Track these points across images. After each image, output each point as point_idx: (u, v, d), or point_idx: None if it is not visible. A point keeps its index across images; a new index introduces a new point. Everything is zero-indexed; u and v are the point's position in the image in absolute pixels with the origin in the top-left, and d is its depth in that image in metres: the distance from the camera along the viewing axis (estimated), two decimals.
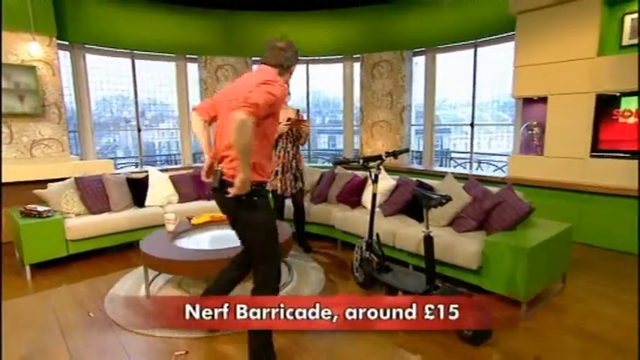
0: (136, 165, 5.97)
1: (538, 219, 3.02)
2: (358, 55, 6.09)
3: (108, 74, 6.03)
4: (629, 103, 3.56)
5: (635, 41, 3.65)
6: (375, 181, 2.73)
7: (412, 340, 2.34)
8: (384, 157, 2.68)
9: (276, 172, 3.62)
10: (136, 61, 5.62)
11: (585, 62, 3.76)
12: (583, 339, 2.35)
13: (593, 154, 3.79)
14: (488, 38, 4.99)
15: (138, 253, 3.86)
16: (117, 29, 5.26)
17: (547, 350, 2.23)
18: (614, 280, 3.16)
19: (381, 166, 2.73)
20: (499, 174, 5.34)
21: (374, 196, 2.82)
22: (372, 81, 5.99)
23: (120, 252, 3.98)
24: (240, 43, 6.03)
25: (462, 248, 2.74)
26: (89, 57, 5.30)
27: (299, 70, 6.26)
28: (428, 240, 2.46)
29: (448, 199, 2.37)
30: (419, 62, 5.93)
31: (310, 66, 6.42)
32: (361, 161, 2.66)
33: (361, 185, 4.03)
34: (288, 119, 3.51)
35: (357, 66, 6.21)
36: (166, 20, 5.60)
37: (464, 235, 2.92)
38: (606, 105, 3.68)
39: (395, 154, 2.74)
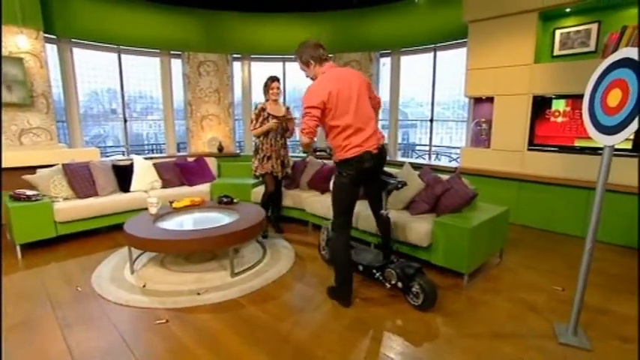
0: (123, 153, 5.84)
1: (482, 203, 3.18)
2: (330, 55, 6.09)
3: (97, 68, 5.85)
4: (558, 105, 3.75)
5: (564, 52, 3.85)
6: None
7: (367, 307, 2.46)
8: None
9: (269, 157, 3.71)
10: (122, 56, 5.46)
11: (524, 68, 3.93)
12: (512, 302, 2.53)
13: (530, 147, 3.98)
14: (446, 43, 5.12)
15: (123, 234, 3.89)
16: (103, 25, 5.09)
17: (482, 312, 2.40)
18: (541, 254, 3.37)
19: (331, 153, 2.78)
20: (454, 164, 5.54)
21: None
22: None
23: (106, 233, 3.93)
24: (221, 41, 5.94)
25: (415, 228, 2.86)
26: (76, 51, 5.11)
27: (277, 66, 6.24)
28: (386, 220, 2.56)
29: (404, 184, 2.48)
30: (386, 63, 6.01)
31: (287, 64, 6.40)
32: (311, 150, 2.71)
33: (330, 173, 4.10)
34: (276, 118, 3.63)
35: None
36: (151, 17, 5.45)
37: (417, 217, 3.05)
38: (541, 105, 3.87)
39: None
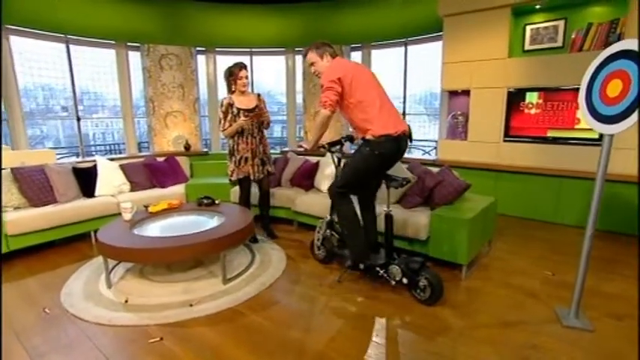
0: (77, 155, 5.28)
1: (467, 194, 3.24)
2: (300, 48, 5.97)
3: (33, 60, 5.21)
4: (531, 97, 3.94)
5: (534, 47, 4.05)
6: (339, 164, 2.71)
7: (373, 305, 2.40)
8: (343, 142, 2.67)
9: (246, 158, 3.29)
10: (66, 49, 4.88)
11: (499, 62, 4.07)
12: (510, 289, 2.59)
13: (506, 139, 4.14)
14: (417, 38, 5.17)
15: (90, 245, 3.52)
16: (46, 10, 4.51)
17: (484, 301, 2.44)
18: (523, 241, 3.52)
19: (343, 150, 2.72)
20: (427, 157, 5.67)
21: (336, 177, 2.80)
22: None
23: (70, 244, 3.51)
24: (183, 33, 5.56)
25: (413, 222, 2.84)
26: (14, 39, 4.50)
27: (244, 60, 5.98)
28: (388, 218, 2.51)
29: (408, 181, 2.47)
30: (356, 57, 5.97)
31: (254, 57, 6.15)
32: (327, 146, 2.63)
33: (313, 169, 3.99)
34: (246, 114, 3.20)
35: (298, 58, 6.10)
36: (105, 4, 4.93)
37: (412, 211, 3.03)
38: (515, 98, 4.03)
39: (352, 139, 2.75)
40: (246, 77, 3.23)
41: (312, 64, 2.57)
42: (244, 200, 3.46)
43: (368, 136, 2.36)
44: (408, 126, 2.44)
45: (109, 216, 3.57)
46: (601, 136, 3.53)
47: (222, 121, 3.22)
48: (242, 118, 3.17)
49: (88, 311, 2.35)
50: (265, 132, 3.45)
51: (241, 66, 3.22)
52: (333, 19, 5.68)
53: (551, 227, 3.87)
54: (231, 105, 3.21)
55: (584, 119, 2.10)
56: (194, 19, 5.60)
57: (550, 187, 3.92)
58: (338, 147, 2.70)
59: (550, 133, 3.87)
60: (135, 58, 5.43)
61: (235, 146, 3.29)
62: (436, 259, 2.83)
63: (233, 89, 3.26)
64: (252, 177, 3.35)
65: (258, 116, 3.25)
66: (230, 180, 3.42)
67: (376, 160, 2.38)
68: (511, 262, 3.04)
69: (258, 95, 3.40)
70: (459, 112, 4.52)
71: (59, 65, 5.10)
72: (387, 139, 2.32)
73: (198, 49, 5.79)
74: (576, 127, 3.72)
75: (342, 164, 2.72)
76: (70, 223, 3.38)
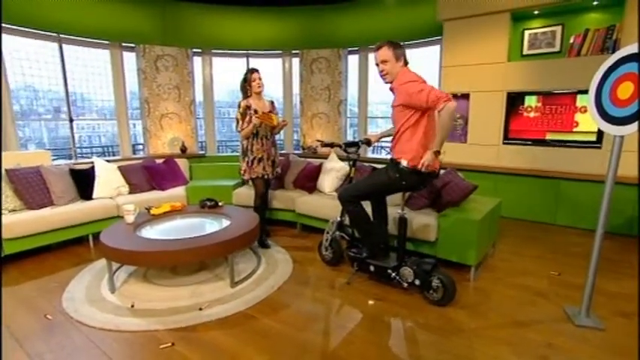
0: (69, 157, 5.13)
1: (470, 195, 3.26)
2: (297, 51, 5.97)
3: (21, 59, 5.07)
4: (531, 101, 4.02)
5: (532, 52, 4.14)
6: (354, 165, 2.70)
7: (386, 307, 2.39)
8: (360, 144, 2.67)
9: (260, 159, 3.38)
10: (52, 49, 4.74)
11: (498, 66, 4.14)
12: (519, 290, 2.62)
13: (505, 141, 4.21)
14: (413, 42, 5.22)
15: (88, 248, 3.43)
16: (38, 8, 4.38)
17: (495, 301, 2.45)
18: (525, 242, 3.57)
19: (358, 152, 2.71)
20: None
21: (350, 179, 2.79)
22: (311, 76, 5.92)
23: (67, 248, 3.40)
24: (180, 34, 5.50)
25: (421, 223, 2.85)
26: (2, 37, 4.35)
27: (240, 62, 5.91)
28: (402, 220, 2.50)
29: (425, 184, 2.48)
30: (353, 61, 5.99)
31: (250, 59, 6.11)
32: (343, 146, 2.62)
33: (316, 171, 3.97)
34: (256, 112, 3.27)
35: (295, 61, 6.09)
36: (99, 3, 4.83)
37: (418, 213, 3.04)
38: (514, 101, 4.11)
39: (369, 143, 2.74)
40: (259, 79, 3.38)
41: (383, 61, 2.30)
42: (259, 197, 3.47)
43: (402, 163, 2.28)
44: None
45: (108, 219, 3.48)
46: (599, 138, 3.68)
47: (240, 122, 3.32)
48: (254, 116, 3.24)
49: (93, 317, 2.27)
50: (275, 137, 3.54)
51: (253, 70, 3.40)
52: (330, 22, 5.70)
53: (551, 229, 3.94)
54: (248, 107, 3.32)
55: (594, 120, 2.14)
56: (191, 21, 5.54)
57: (548, 189, 3.99)
58: (354, 149, 2.69)
59: (549, 136, 3.95)
60: (128, 59, 5.32)
61: (249, 147, 3.38)
62: (443, 260, 2.83)
63: (249, 93, 3.39)
64: (266, 176, 3.44)
65: (267, 116, 3.29)
66: (243, 179, 3.54)
67: (399, 187, 2.40)
68: (516, 263, 3.08)
69: (272, 102, 3.53)
70: (457, 115, 4.57)
71: (49, 65, 4.97)
72: (418, 173, 2.26)
73: (194, 50, 5.72)
74: (574, 129, 3.81)
75: (356, 166, 2.72)
76: (67, 226, 3.27)
